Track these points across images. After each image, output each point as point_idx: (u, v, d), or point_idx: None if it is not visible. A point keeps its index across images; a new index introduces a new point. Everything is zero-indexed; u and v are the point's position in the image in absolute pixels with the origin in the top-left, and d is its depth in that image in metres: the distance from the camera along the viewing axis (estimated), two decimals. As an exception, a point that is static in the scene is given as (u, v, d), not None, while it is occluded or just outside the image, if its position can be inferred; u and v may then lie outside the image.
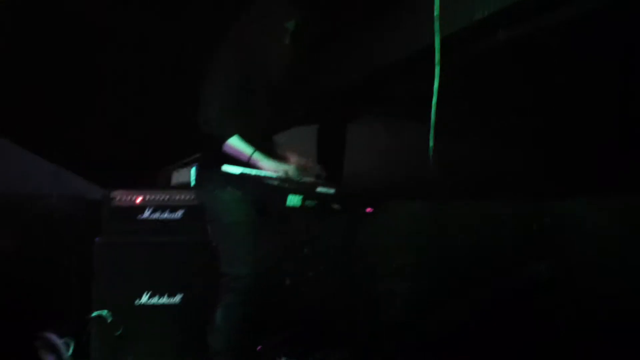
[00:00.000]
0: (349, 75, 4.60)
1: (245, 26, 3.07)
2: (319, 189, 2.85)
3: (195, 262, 3.36)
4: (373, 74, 4.41)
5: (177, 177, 5.90)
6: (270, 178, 2.81)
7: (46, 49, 4.30)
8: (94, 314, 3.23)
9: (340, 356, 3.37)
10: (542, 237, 3.16)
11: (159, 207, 3.43)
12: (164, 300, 3.33)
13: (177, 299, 3.35)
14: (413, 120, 4.49)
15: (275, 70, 3.08)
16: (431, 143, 2.41)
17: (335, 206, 2.79)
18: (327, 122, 5.08)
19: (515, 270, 3.17)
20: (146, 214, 3.43)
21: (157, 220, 3.43)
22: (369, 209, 2.86)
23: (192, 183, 3.44)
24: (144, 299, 3.31)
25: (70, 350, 3.26)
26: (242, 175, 2.78)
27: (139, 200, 3.41)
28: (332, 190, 2.87)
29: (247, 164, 2.85)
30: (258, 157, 2.86)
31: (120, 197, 3.41)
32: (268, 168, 2.85)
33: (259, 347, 3.22)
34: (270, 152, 3.08)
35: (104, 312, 3.23)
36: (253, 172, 2.82)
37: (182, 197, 3.44)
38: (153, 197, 3.43)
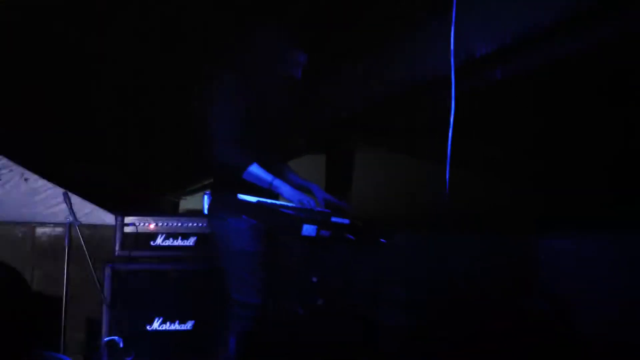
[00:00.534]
0: (350, 105, 4.66)
1: (248, 58, 3.12)
2: (334, 219, 2.89)
3: (208, 289, 3.38)
4: (374, 105, 4.48)
5: (184, 204, 5.94)
6: (286, 207, 2.85)
7: (55, 77, 4.37)
8: (106, 339, 3.24)
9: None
10: (539, 268, 3.20)
11: (171, 234, 3.46)
12: (176, 326, 3.35)
13: (188, 325, 3.37)
14: (414, 152, 4.55)
15: (279, 101, 3.13)
16: (447, 175, 2.45)
17: (349, 236, 2.82)
18: (333, 152, 5.13)
19: (512, 301, 3.21)
20: (159, 240, 3.46)
21: (170, 247, 3.46)
22: (382, 240, 2.90)
23: (205, 210, 3.48)
24: (156, 324, 3.33)
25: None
26: (258, 204, 2.82)
27: (152, 226, 3.45)
28: (346, 221, 2.91)
29: (267, 191, 2.90)
30: (278, 185, 2.93)
31: (134, 222, 3.45)
32: (287, 194, 2.90)
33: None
34: (284, 178, 3.14)
35: (116, 338, 3.24)
36: (269, 201, 2.87)
37: (195, 224, 3.48)
38: (166, 223, 3.47)
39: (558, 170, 3.47)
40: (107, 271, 3.37)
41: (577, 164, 3.44)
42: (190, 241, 3.48)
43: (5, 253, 4.05)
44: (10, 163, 4.58)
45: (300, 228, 2.69)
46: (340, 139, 5.07)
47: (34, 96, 4.51)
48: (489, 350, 3.10)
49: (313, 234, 2.72)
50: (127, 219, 3.45)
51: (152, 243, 3.45)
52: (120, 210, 3.58)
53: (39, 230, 4.19)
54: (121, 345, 3.23)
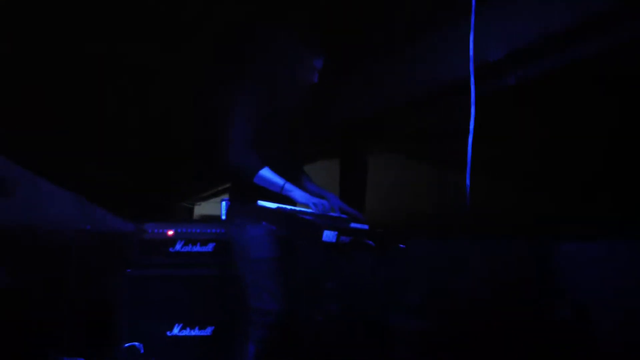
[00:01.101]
0: (365, 110, 4.67)
1: (265, 62, 3.13)
2: (353, 225, 2.90)
3: (227, 295, 3.39)
4: (389, 109, 4.48)
5: (199, 210, 5.97)
6: (306, 213, 2.86)
7: (69, 83, 4.40)
8: (127, 345, 3.26)
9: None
10: (560, 276, 3.19)
11: (190, 240, 3.48)
12: (195, 331, 3.37)
13: (208, 331, 3.39)
14: (430, 157, 4.56)
15: (296, 106, 3.15)
16: (468, 180, 2.46)
17: (369, 242, 2.83)
18: (347, 158, 5.14)
19: (532, 309, 3.20)
20: (177, 246, 3.48)
21: (189, 253, 3.48)
22: (401, 245, 2.91)
23: (223, 217, 3.50)
24: (176, 330, 3.35)
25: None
26: (278, 210, 2.83)
27: (171, 232, 3.47)
28: (365, 226, 2.93)
29: (279, 195, 2.92)
30: (290, 188, 2.94)
31: (152, 229, 3.47)
32: (299, 198, 2.91)
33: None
34: (300, 184, 3.15)
35: (136, 343, 3.26)
36: (288, 207, 2.88)
37: (213, 230, 3.50)
38: (185, 230, 3.49)
39: (578, 175, 3.47)
40: (126, 277, 3.39)
41: (597, 167, 3.44)
42: (209, 247, 3.50)
43: (21, 259, 4.08)
44: (24, 170, 4.61)
45: (321, 234, 2.69)
46: (355, 144, 5.08)
47: (49, 102, 4.54)
48: (508, 357, 3.10)
49: (333, 239, 2.73)
50: (146, 226, 3.47)
51: (170, 249, 3.47)
52: (136, 216, 3.60)
53: (56, 237, 4.22)
54: (142, 351, 3.25)
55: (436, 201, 4.07)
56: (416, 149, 4.91)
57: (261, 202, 2.86)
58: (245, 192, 3.02)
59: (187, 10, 3.64)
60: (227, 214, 3.33)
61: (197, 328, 3.37)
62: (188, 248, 3.48)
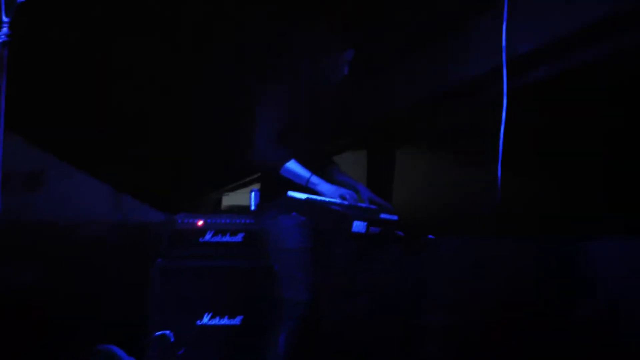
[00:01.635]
0: (394, 104, 4.66)
1: (296, 58, 3.15)
2: (383, 216, 2.91)
3: (256, 285, 3.42)
4: (419, 103, 4.47)
5: (227, 200, 6.01)
6: (336, 204, 2.87)
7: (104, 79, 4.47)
8: (157, 334, 3.30)
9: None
10: (589, 274, 3.16)
11: (220, 230, 3.51)
12: (225, 321, 3.40)
13: (237, 320, 3.42)
14: (463, 151, 4.54)
15: (327, 99, 3.15)
16: (499, 175, 2.44)
17: (398, 233, 2.84)
18: (375, 150, 5.14)
19: (560, 307, 3.17)
20: (207, 236, 3.51)
21: (218, 243, 3.51)
22: (431, 236, 2.91)
23: (253, 207, 3.53)
24: (205, 319, 3.39)
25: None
26: (308, 200, 2.84)
27: (201, 223, 3.50)
28: (395, 218, 2.93)
29: (305, 187, 2.93)
30: (316, 181, 2.95)
31: (183, 219, 3.50)
32: (325, 192, 2.92)
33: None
34: (329, 175, 3.16)
35: (167, 332, 3.30)
36: (318, 198, 2.89)
37: (243, 220, 3.52)
38: (214, 220, 3.52)
39: (606, 171, 3.43)
40: (156, 267, 3.43)
41: (630, 164, 3.39)
42: (239, 237, 3.52)
43: (54, 250, 4.15)
44: (58, 161, 4.70)
45: (351, 224, 2.70)
46: (383, 138, 5.08)
47: (83, 96, 4.61)
48: (536, 355, 3.08)
49: (363, 230, 2.74)
50: (177, 216, 3.51)
51: (200, 239, 3.50)
52: (167, 207, 3.64)
53: (88, 228, 4.28)
54: (172, 339, 3.29)
55: (466, 197, 4.06)
56: (446, 143, 4.89)
57: (291, 193, 2.87)
58: (276, 183, 3.04)
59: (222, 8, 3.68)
60: (257, 205, 3.35)
61: (226, 317, 3.40)
62: (217, 238, 3.51)
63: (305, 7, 3.49)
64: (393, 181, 4.87)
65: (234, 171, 5.48)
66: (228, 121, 4.84)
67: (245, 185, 5.69)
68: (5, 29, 2.76)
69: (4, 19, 2.79)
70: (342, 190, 2.95)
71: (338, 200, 2.91)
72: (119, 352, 3.12)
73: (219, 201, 6.04)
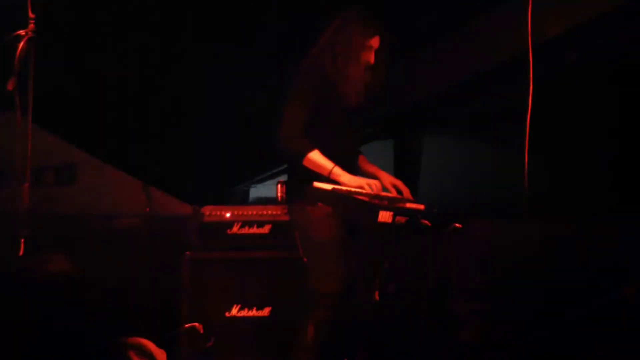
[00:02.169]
0: (423, 91, 4.63)
1: (322, 48, 3.13)
2: (409, 205, 2.88)
3: (283, 276, 3.42)
4: (445, 90, 4.43)
5: (254, 192, 6.03)
6: (361, 194, 2.86)
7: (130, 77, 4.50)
8: (187, 325, 3.32)
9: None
10: (625, 257, 3.10)
11: (247, 222, 3.52)
12: (254, 312, 3.41)
13: (266, 312, 3.42)
14: (491, 138, 4.49)
15: (354, 90, 3.12)
16: (526, 161, 2.41)
17: (425, 222, 2.81)
18: (402, 138, 5.12)
19: (597, 291, 3.12)
20: (235, 228, 3.52)
21: (245, 235, 3.51)
22: (458, 225, 2.87)
23: (280, 199, 3.53)
24: (234, 311, 3.40)
25: (165, 361, 3.36)
26: (333, 191, 2.83)
27: (228, 215, 3.51)
28: (421, 207, 2.91)
29: (328, 178, 2.92)
30: (338, 172, 2.93)
31: (210, 212, 3.52)
32: (348, 183, 2.90)
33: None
34: (355, 167, 3.14)
35: (196, 324, 3.32)
36: (344, 188, 2.88)
37: (270, 212, 3.52)
38: (242, 212, 3.53)
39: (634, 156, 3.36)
40: (186, 259, 3.45)
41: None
42: (266, 229, 3.53)
43: (84, 245, 4.20)
44: (89, 156, 4.75)
45: (377, 215, 2.69)
46: (410, 125, 5.05)
47: (112, 91, 4.65)
48: (573, 341, 3.04)
49: (389, 220, 2.72)
50: (204, 209, 3.52)
51: (228, 231, 3.51)
52: (194, 200, 3.66)
53: (117, 222, 4.32)
54: (201, 331, 3.31)
55: (494, 183, 4.02)
56: (472, 130, 4.84)
57: (317, 184, 2.87)
58: (302, 174, 3.04)
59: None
60: (284, 197, 3.36)
61: (255, 309, 3.41)
62: (245, 230, 3.52)
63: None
64: (420, 169, 4.84)
65: (260, 163, 5.51)
66: (255, 113, 4.85)
67: (273, 177, 5.71)
68: (31, 26, 2.80)
69: (31, 15, 2.83)
70: (363, 181, 2.93)
71: (363, 191, 2.90)
72: (149, 344, 3.14)
73: (247, 193, 6.07)
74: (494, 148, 4.29)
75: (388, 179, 3.23)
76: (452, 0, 3.78)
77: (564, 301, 3.23)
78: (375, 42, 3.08)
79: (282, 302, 3.42)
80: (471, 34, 3.98)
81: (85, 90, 4.80)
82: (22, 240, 2.69)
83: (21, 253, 2.67)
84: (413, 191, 3.49)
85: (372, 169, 3.30)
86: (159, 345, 3.42)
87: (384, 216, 2.70)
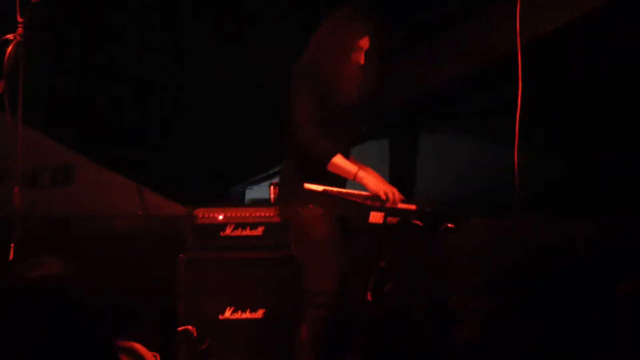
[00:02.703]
0: (418, 88, 4.61)
1: (315, 48, 3.12)
2: (401, 206, 2.87)
3: (277, 278, 3.41)
4: (440, 87, 4.41)
5: (250, 194, 6.02)
6: (353, 195, 2.85)
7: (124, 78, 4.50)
8: (181, 328, 3.31)
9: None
10: (625, 254, 3.08)
11: (240, 224, 3.51)
12: (247, 314, 3.40)
13: (259, 313, 3.42)
14: (488, 134, 4.47)
15: (347, 89, 3.11)
16: (516, 157, 2.40)
17: (417, 223, 2.81)
18: (397, 137, 5.10)
19: (599, 289, 3.10)
20: (228, 230, 3.51)
21: (238, 237, 3.51)
22: (450, 225, 2.86)
23: (272, 200, 3.52)
24: (227, 313, 3.39)
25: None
26: (324, 192, 2.83)
27: (221, 217, 3.50)
28: (413, 207, 2.89)
29: (330, 178, 2.91)
30: (363, 175, 2.93)
31: (203, 214, 3.51)
32: (372, 187, 2.89)
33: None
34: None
35: (190, 327, 3.32)
36: (335, 189, 2.87)
37: (263, 213, 3.52)
38: (235, 214, 3.52)
39: (627, 150, 3.35)
40: (180, 262, 3.44)
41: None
42: (259, 230, 3.52)
43: (79, 246, 4.20)
44: (84, 159, 4.75)
45: (368, 215, 2.69)
46: (405, 123, 5.04)
47: (109, 93, 4.64)
48: (574, 336, 3.03)
49: (380, 221, 2.72)
50: (197, 211, 3.51)
51: (221, 233, 3.50)
52: (187, 201, 3.65)
53: (112, 223, 4.32)
54: (195, 334, 3.30)
55: (493, 181, 4.00)
56: (469, 127, 4.82)
57: (308, 185, 2.86)
58: (295, 175, 3.03)
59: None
60: (278, 198, 3.35)
61: (248, 311, 3.40)
62: (238, 232, 3.51)
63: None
64: (416, 168, 4.83)
65: (256, 165, 5.50)
66: (251, 115, 4.84)
67: (268, 178, 5.71)
68: (20, 30, 2.79)
69: (19, 20, 2.82)
70: (387, 188, 2.92)
71: (357, 192, 2.89)
72: (141, 348, 3.14)
73: (243, 195, 6.07)
74: (492, 145, 4.28)
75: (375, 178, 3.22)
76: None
77: (561, 298, 3.21)
78: (365, 42, 3.07)
79: (276, 303, 3.41)
80: (467, 31, 3.96)
81: (81, 92, 4.79)
82: (12, 244, 2.68)
83: (11, 257, 2.65)
84: (409, 190, 3.48)
85: (360, 167, 3.28)
86: (153, 348, 3.42)
87: (375, 217, 2.70)
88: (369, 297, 3.07)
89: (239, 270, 3.43)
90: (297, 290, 3.03)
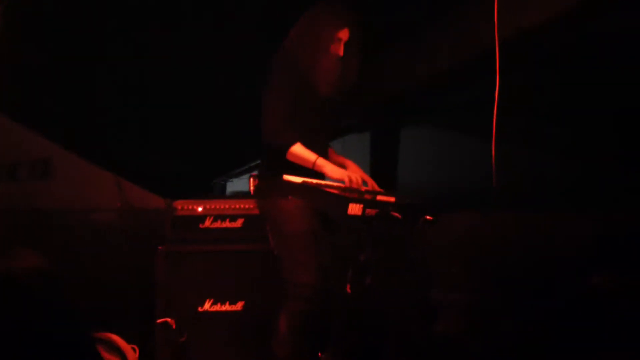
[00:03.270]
0: (399, 83, 4.62)
1: (293, 39, 3.11)
2: (379, 198, 2.88)
3: (257, 270, 3.41)
4: (422, 82, 4.43)
5: (231, 186, 6.01)
6: (332, 187, 2.85)
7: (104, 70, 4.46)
8: (160, 320, 3.30)
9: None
10: (598, 248, 3.12)
11: (219, 216, 3.50)
12: (226, 307, 3.40)
13: (238, 306, 3.41)
14: (465, 129, 4.49)
15: (325, 81, 3.11)
16: (493, 151, 2.42)
17: (396, 215, 2.81)
18: (378, 131, 5.11)
19: (573, 281, 3.14)
20: (207, 222, 3.50)
21: (218, 229, 3.50)
22: (429, 217, 2.87)
23: (252, 192, 3.51)
24: (207, 306, 3.38)
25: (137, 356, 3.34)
26: (303, 184, 2.83)
27: (200, 209, 3.49)
28: (392, 199, 2.90)
29: (311, 170, 2.91)
30: (322, 163, 2.93)
31: (182, 206, 3.49)
32: (331, 173, 2.90)
33: (320, 355, 3.25)
34: (328, 159, 3.13)
35: (169, 319, 3.30)
36: (314, 181, 2.87)
37: (242, 206, 3.51)
38: (214, 206, 3.50)
39: (613, 145, 3.39)
40: (158, 254, 3.42)
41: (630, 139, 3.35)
42: (238, 223, 3.51)
43: (58, 240, 4.17)
44: (62, 150, 4.70)
45: (347, 207, 2.68)
46: (386, 117, 5.05)
47: (85, 84, 4.60)
48: (553, 327, 3.06)
49: (359, 212, 2.72)
50: (176, 203, 3.49)
51: (200, 225, 3.49)
52: (169, 194, 3.63)
53: (91, 216, 4.29)
54: (174, 326, 3.29)
55: (467, 173, 4.03)
56: (450, 121, 4.85)
57: (287, 177, 2.86)
58: (273, 167, 3.03)
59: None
60: (256, 190, 3.34)
61: (227, 303, 3.39)
62: (217, 224, 3.50)
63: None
64: (397, 162, 4.84)
65: (236, 157, 5.50)
66: (231, 106, 4.83)
67: (249, 170, 5.71)
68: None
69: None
70: (349, 173, 2.93)
71: (337, 183, 2.89)
72: (119, 340, 3.13)
73: (224, 187, 6.06)
74: (472, 140, 4.30)
75: (354, 169, 3.23)
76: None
77: (537, 290, 3.24)
78: (344, 34, 3.06)
79: (256, 296, 3.40)
80: (446, 25, 3.97)
81: (60, 84, 4.75)
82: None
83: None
84: (390, 184, 3.48)
85: (340, 159, 3.29)
86: (131, 341, 3.41)
87: (354, 209, 2.70)
88: (348, 290, 3.07)
89: (219, 262, 3.42)
90: (277, 283, 3.03)
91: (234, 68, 4.56)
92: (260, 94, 3.09)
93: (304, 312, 2.91)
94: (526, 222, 3.46)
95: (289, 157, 2.95)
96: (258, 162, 5.38)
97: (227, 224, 3.49)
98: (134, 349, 3.28)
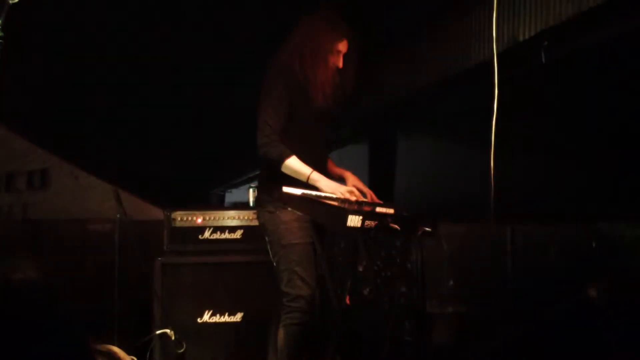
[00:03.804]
0: (395, 94, 4.63)
1: (290, 50, 3.12)
2: (378, 210, 2.88)
3: (256, 281, 3.42)
4: (418, 92, 4.43)
5: (229, 197, 6.01)
6: (331, 199, 2.85)
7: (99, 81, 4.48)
8: (158, 331, 3.30)
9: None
10: (595, 259, 3.12)
11: (219, 228, 3.51)
12: (225, 318, 3.40)
13: (237, 317, 3.41)
14: (463, 140, 4.50)
15: (323, 93, 3.12)
16: (492, 162, 2.43)
17: (394, 226, 2.82)
18: (376, 141, 5.12)
19: (567, 293, 3.14)
20: (206, 234, 3.50)
21: (217, 240, 3.50)
22: (427, 228, 2.88)
23: (251, 203, 3.52)
24: (206, 317, 3.39)
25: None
26: (302, 196, 2.83)
27: (199, 220, 3.50)
28: (391, 211, 2.91)
29: (306, 184, 2.91)
30: (316, 178, 2.94)
31: (181, 217, 3.50)
32: (326, 188, 2.91)
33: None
34: (325, 171, 3.14)
35: (168, 330, 3.31)
36: (313, 193, 2.87)
37: (241, 217, 3.51)
38: (213, 217, 3.51)
39: (610, 154, 3.40)
40: (157, 265, 3.43)
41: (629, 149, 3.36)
42: (237, 234, 3.52)
43: (56, 250, 4.17)
44: (61, 161, 4.72)
45: (346, 219, 2.69)
46: (384, 128, 5.06)
47: (82, 94, 4.61)
48: (546, 340, 3.06)
49: (358, 224, 2.72)
50: (175, 214, 3.50)
51: (200, 237, 3.50)
52: (168, 205, 3.63)
53: (90, 227, 4.29)
54: (173, 337, 3.29)
55: (466, 185, 4.03)
56: (447, 132, 4.85)
57: (286, 189, 2.86)
58: (273, 179, 3.03)
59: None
60: (256, 201, 3.35)
61: (226, 314, 3.40)
62: (216, 235, 3.50)
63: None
64: (395, 173, 4.85)
65: (235, 168, 5.50)
66: (229, 117, 4.84)
67: (248, 181, 5.72)
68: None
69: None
70: (343, 188, 2.93)
71: (334, 196, 2.89)
72: (119, 351, 3.12)
73: (222, 198, 6.06)
74: (470, 151, 4.31)
75: (353, 181, 3.23)
76: (424, 3, 3.78)
77: (533, 302, 3.25)
78: (343, 46, 3.07)
79: (255, 307, 3.41)
80: (444, 36, 3.98)
81: (58, 95, 4.76)
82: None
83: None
84: (388, 194, 3.49)
85: (339, 171, 3.30)
86: (130, 352, 3.40)
87: (353, 220, 2.70)
88: (348, 301, 3.07)
89: (218, 273, 3.43)
90: (276, 295, 3.03)
91: (234, 79, 4.57)
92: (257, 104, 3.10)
93: (299, 325, 2.91)
94: (523, 234, 3.47)
95: (283, 170, 2.95)
96: (256, 173, 5.40)
97: (226, 235, 3.50)
98: (132, 360, 3.28)
